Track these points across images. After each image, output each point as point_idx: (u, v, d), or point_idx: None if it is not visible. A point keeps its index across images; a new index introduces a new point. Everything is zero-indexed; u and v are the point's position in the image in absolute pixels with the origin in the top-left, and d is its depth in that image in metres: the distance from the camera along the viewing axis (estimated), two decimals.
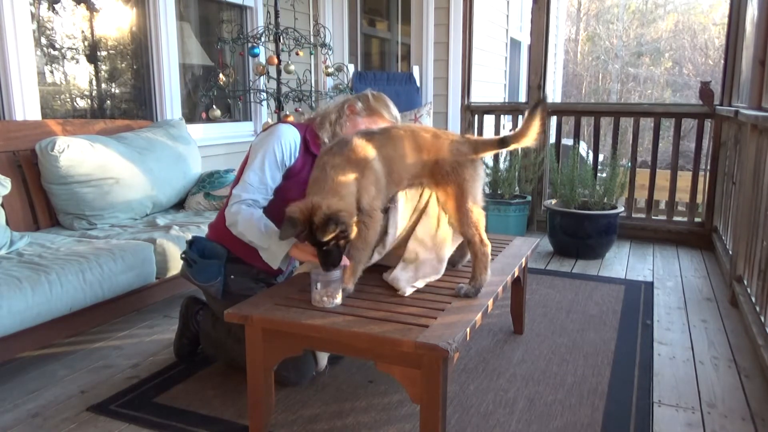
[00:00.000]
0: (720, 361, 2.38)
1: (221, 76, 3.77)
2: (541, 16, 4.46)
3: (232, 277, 2.11)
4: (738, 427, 1.91)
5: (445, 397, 1.56)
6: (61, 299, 2.13)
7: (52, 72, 3.37)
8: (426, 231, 1.98)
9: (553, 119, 4.87)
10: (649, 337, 2.59)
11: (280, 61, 3.85)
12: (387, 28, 5.71)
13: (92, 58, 3.57)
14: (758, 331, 2.43)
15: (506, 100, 6.90)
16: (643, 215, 4.52)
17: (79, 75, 3.54)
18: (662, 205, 5.11)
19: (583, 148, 6.02)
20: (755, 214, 2.76)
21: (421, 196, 1.98)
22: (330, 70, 4.32)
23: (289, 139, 2.05)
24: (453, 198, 1.84)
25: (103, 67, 3.66)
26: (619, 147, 4.51)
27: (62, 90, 3.44)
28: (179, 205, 3.34)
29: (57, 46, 3.36)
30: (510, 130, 5.06)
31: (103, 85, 3.68)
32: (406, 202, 1.95)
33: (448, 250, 2.01)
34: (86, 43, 3.52)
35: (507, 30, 6.88)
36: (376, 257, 1.97)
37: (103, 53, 3.65)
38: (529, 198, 4.46)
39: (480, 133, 4.92)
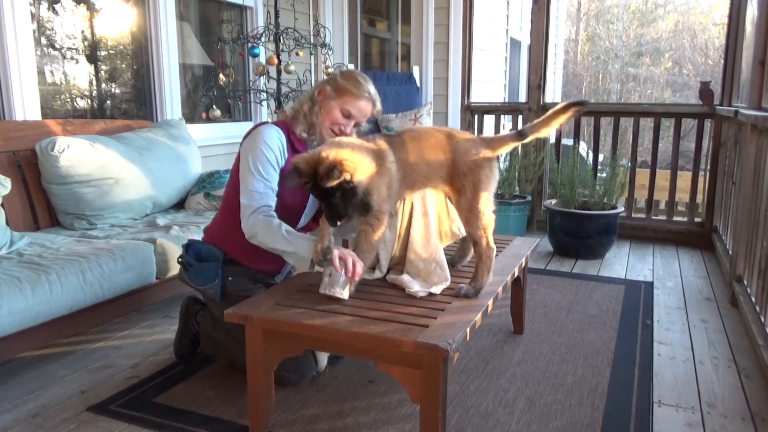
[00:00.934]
0: (720, 361, 2.38)
1: (221, 76, 3.76)
2: (541, 16, 4.46)
3: (230, 278, 2.11)
4: (738, 427, 1.91)
5: (445, 397, 1.56)
6: (61, 299, 2.13)
7: (52, 72, 3.37)
8: (418, 245, 1.97)
9: None
10: (649, 337, 2.59)
11: (280, 61, 3.85)
12: (387, 28, 5.71)
13: (92, 58, 3.57)
14: (758, 331, 2.43)
15: (506, 100, 6.90)
16: (643, 215, 4.52)
17: (79, 75, 3.54)
18: (662, 205, 5.11)
19: (583, 148, 6.02)
20: (755, 214, 2.76)
21: (402, 218, 1.98)
22: (330, 70, 4.31)
23: (274, 139, 2.01)
24: (466, 198, 1.84)
25: (103, 67, 3.66)
26: (619, 147, 4.51)
27: (62, 90, 3.44)
28: (179, 205, 3.34)
29: (57, 46, 3.36)
30: (510, 129, 5.07)
31: (103, 85, 3.68)
32: (389, 228, 1.95)
33: (442, 253, 2.00)
34: (86, 43, 3.52)
35: (507, 30, 6.88)
36: (377, 274, 1.98)
37: (103, 53, 3.65)
38: (529, 198, 4.46)
39: (480, 133, 4.92)
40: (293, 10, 4.73)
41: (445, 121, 5.04)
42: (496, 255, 1.97)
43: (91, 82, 3.60)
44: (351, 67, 4.85)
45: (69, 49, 3.43)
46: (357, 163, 1.69)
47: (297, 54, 4.05)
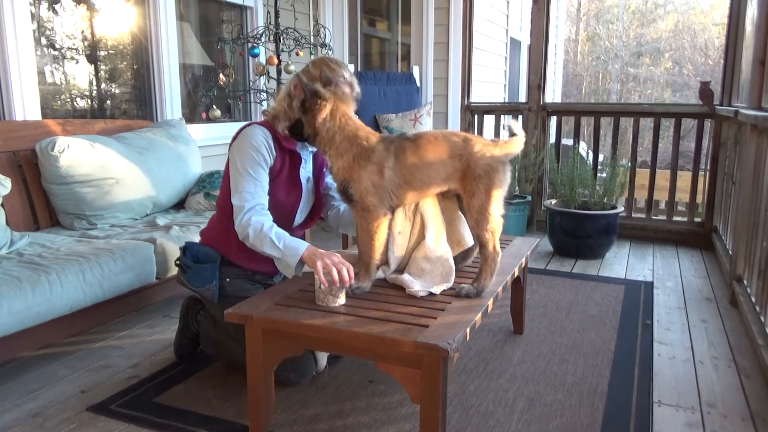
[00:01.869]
0: (720, 361, 2.38)
1: (221, 76, 3.76)
2: (541, 16, 4.46)
3: (228, 280, 2.11)
4: (738, 427, 1.91)
5: (445, 397, 1.56)
6: (61, 299, 2.13)
7: (52, 72, 3.37)
8: (430, 246, 1.98)
9: (553, 119, 4.86)
10: (649, 337, 2.59)
11: (280, 61, 3.85)
12: (387, 28, 5.71)
13: (92, 58, 3.57)
14: (758, 331, 2.43)
15: (506, 100, 6.90)
16: (643, 215, 4.52)
17: (79, 75, 3.54)
18: (662, 205, 5.10)
19: (583, 148, 6.02)
20: (755, 214, 2.76)
21: (414, 221, 1.99)
22: None
23: (260, 139, 2.00)
24: (479, 200, 1.85)
25: (103, 67, 3.66)
26: (619, 147, 4.51)
27: (62, 90, 3.44)
28: (179, 205, 3.34)
29: (57, 46, 3.36)
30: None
31: (103, 85, 3.68)
32: (402, 227, 1.97)
33: (451, 258, 2.01)
34: (86, 43, 3.52)
35: (507, 30, 6.88)
36: (380, 274, 1.98)
37: (103, 53, 3.65)
38: (529, 198, 4.46)
39: (480, 133, 4.92)
40: (293, 10, 4.73)
41: (445, 121, 5.04)
42: None
43: (91, 82, 3.60)
44: (351, 67, 4.84)
45: (69, 49, 3.43)
46: (322, 116, 1.85)
47: (297, 54, 4.05)
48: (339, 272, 1.73)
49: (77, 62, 3.49)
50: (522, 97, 7.75)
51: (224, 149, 4.21)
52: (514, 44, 7.41)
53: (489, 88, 6.29)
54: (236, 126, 4.47)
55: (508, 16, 6.88)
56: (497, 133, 4.88)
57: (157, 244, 2.56)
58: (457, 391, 2.10)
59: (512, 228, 4.25)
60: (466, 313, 1.69)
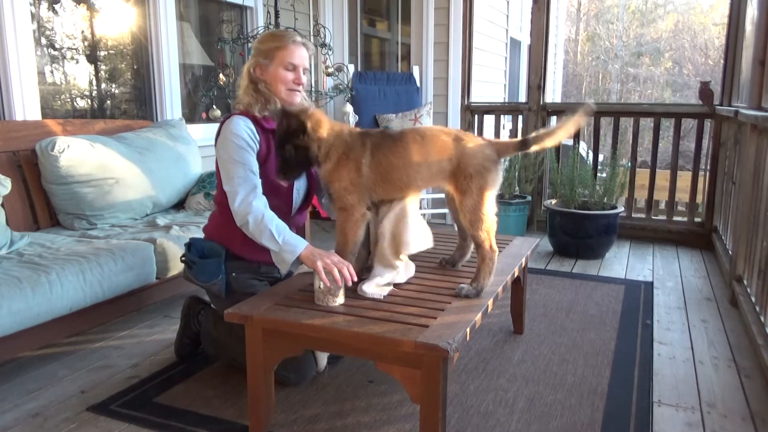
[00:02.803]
0: (720, 361, 2.38)
1: (221, 76, 3.76)
2: (541, 16, 4.46)
3: (234, 274, 2.10)
4: (738, 427, 1.91)
5: (445, 397, 1.56)
6: (61, 299, 2.13)
7: (52, 72, 3.37)
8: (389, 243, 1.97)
9: (553, 119, 4.86)
10: (649, 337, 2.59)
11: None
12: (387, 28, 5.71)
13: (92, 58, 3.57)
14: (758, 331, 2.43)
15: (506, 100, 6.89)
16: (643, 215, 4.52)
17: (79, 75, 3.54)
18: (662, 205, 5.11)
19: (583, 148, 6.02)
20: (755, 214, 2.76)
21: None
22: (330, 70, 4.32)
23: (240, 126, 2.00)
24: (472, 200, 1.85)
25: (103, 67, 3.66)
26: (619, 147, 4.51)
27: (62, 90, 3.44)
28: (179, 205, 3.34)
29: (57, 46, 3.36)
30: (510, 129, 5.06)
31: (103, 85, 3.68)
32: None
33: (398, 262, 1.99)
34: (86, 43, 3.52)
35: (507, 30, 6.88)
36: (376, 291, 1.96)
37: (103, 53, 3.65)
38: (529, 198, 4.46)
39: (480, 133, 4.92)
40: (293, 10, 4.72)
41: (445, 121, 5.04)
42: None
43: (91, 82, 3.60)
44: (351, 67, 4.84)
45: (69, 49, 3.43)
46: (325, 127, 1.82)
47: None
48: (340, 271, 1.74)
49: (77, 62, 3.50)
50: (522, 97, 7.75)
51: None
52: (514, 44, 7.41)
53: (489, 88, 6.29)
54: None
55: (508, 16, 6.88)
56: (497, 133, 4.88)
57: (157, 244, 2.56)
58: (457, 391, 2.10)
59: (512, 228, 4.25)
60: (466, 313, 1.69)
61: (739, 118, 3.27)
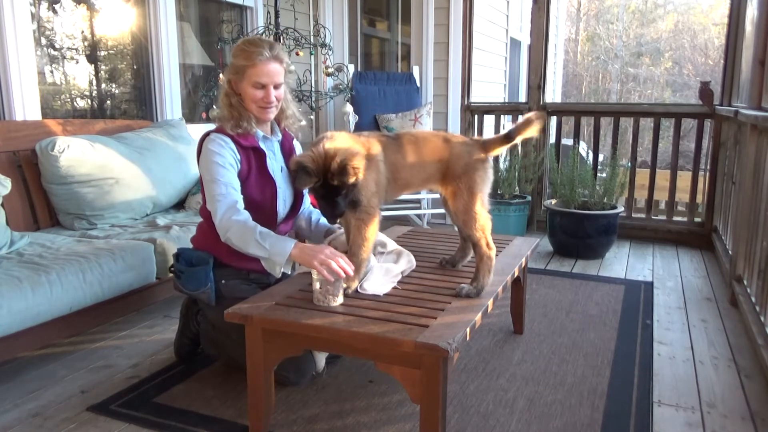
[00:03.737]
0: (720, 361, 2.38)
1: (221, 76, 3.76)
2: (541, 16, 4.46)
3: (223, 281, 2.10)
4: (738, 427, 1.91)
5: (445, 397, 1.56)
6: (61, 299, 2.13)
7: (52, 72, 3.37)
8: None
9: (553, 119, 4.86)
10: (649, 337, 2.59)
11: None
12: (387, 28, 5.71)
13: (92, 58, 3.57)
14: (758, 331, 2.43)
15: (506, 100, 6.89)
16: (643, 215, 4.52)
17: (79, 75, 3.54)
18: (662, 205, 5.11)
19: (583, 148, 6.02)
20: (755, 214, 2.76)
21: None
22: (330, 70, 4.32)
23: (217, 144, 2.00)
24: (462, 200, 1.86)
25: (103, 67, 3.66)
26: (619, 147, 4.51)
27: (62, 90, 3.44)
28: (179, 205, 3.33)
29: (57, 46, 3.36)
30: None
31: (103, 85, 3.68)
32: None
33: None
34: (86, 43, 3.52)
35: (507, 30, 6.87)
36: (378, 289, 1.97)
37: (103, 53, 3.65)
38: (529, 198, 4.46)
39: (480, 133, 4.92)
40: (293, 10, 4.73)
41: (445, 121, 5.04)
42: (496, 255, 1.98)
43: (91, 82, 3.60)
44: (351, 67, 4.84)
45: (69, 49, 3.43)
46: (360, 156, 1.71)
47: (297, 54, 4.05)
48: (337, 264, 1.73)
49: (77, 62, 3.50)
50: (522, 97, 7.75)
51: None
52: (514, 44, 7.41)
53: (489, 88, 6.29)
54: None
55: (508, 16, 6.88)
56: (497, 133, 4.86)
57: (157, 244, 2.56)
58: (457, 391, 2.10)
59: (512, 228, 4.25)
60: (466, 313, 1.69)
61: (739, 118, 3.27)
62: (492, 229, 1.93)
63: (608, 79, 15.67)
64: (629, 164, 4.41)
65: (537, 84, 4.54)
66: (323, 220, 2.31)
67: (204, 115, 3.80)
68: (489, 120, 5.06)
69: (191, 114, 4.16)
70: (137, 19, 3.72)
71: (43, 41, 3.26)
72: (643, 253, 4.05)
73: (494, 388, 2.12)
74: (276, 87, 2.05)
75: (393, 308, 1.72)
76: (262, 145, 2.11)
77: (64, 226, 2.84)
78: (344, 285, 1.78)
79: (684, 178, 4.66)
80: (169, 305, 2.94)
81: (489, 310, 1.81)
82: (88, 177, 2.74)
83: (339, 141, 1.74)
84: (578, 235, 3.87)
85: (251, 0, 4.47)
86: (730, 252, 3.43)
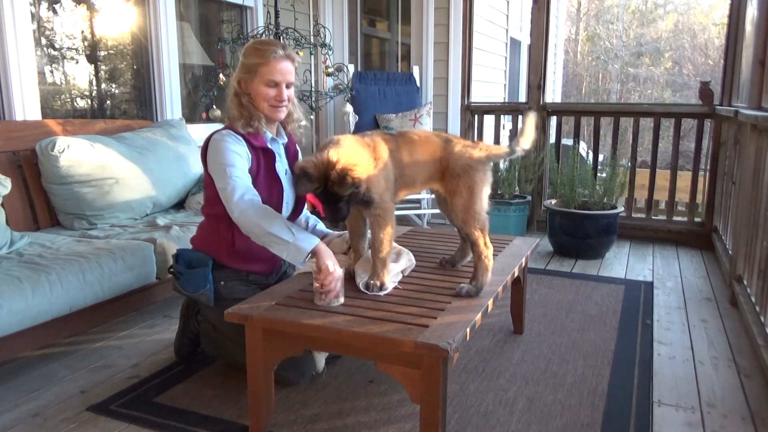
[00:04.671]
0: (720, 361, 2.38)
1: (221, 76, 3.76)
2: (541, 16, 4.46)
3: (222, 283, 2.10)
4: (738, 427, 1.91)
5: (445, 397, 1.56)
6: (61, 299, 2.13)
7: (52, 72, 3.37)
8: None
9: (553, 119, 4.86)
10: (649, 337, 2.59)
11: None
12: (387, 28, 5.71)
13: (92, 58, 3.57)
14: (758, 331, 2.43)
15: (506, 100, 6.90)
16: (643, 215, 4.52)
17: (79, 75, 3.54)
18: (662, 205, 5.10)
19: (583, 148, 6.02)
20: (755, 214, 2.76)
21: None
22: (330, 70, 4.32)
23: (231, 140, 1.99)
24: (462, 200, 1.88)
25: (103, 67, 3.66)
26: (619, 147, 4.51)
27: (62, 90, 3.44)
28: (179, 205, 3.33)
29: (57, 46, 3.36)
30: (510, 129, 5.06)
31: (103, 85, 3.68)
32: None
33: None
34: (86, 43, 3.52)
35: (507, 30, 6.88)
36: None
37: (103, 53, 3.65)
38: (529, 198, 4.46)
39: (480, 133, 4.92)
40: (293, 10, 4.73)
41: (445, 120, 5.04)
42: (496, 255, 1.99)
43: (91, 82, 3.60)
44: (351, 67, 4.84)
45: (69, 49, 3.43)
46: (363, 165, 1.73)
47: (297, 54, 4.05)
48: (333, 286, 1.74)
49: (77, 62, 3.50)
50: (522, 97, 7.75)
51: None
52: (514, 44, 7.41)
53: (489, 88, 6.29)
54: None
55: (508, 16, 6.88)
56: (497, 133, 4.88)
57: (157, 244, 2.56)
58: (457, 391, 2.10)
59: (512, 228, 4.25)
60: (466, 313, 1.69)
61: (739, 118, 3.27)
62: (492, 228, 1.95)
63: (608, 79, 15.67)
64: (629, 164, 4.41)
65: (537, 84, 4.54)
66: (320, 226, 2.32)
67: (204, 115, 3.80)
68: (489, 120, 5.06)
69: (191, 114, 4.16)
70: (137, 19, 3.72)
71: (43, 41, 3.26)
72: (643, 253, 4.05)
73: (494, 388, 2.12)
74: (288, 86, 2.06)
75: (393, 308, 1.72)
76: (271, 146, 2.11)
77: (64, 226, 2.84)
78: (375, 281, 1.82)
79: (684, 178, 4.66)
80: (169, 305, 2.94)
81: (489, 309, 1.81)
82: (88, 177, 2.74)
83: (344, 147, 1.74)
84: (578, 235, 3.87)
85: (251, 0, 4.47)
86: (730, 252, 3.43)
